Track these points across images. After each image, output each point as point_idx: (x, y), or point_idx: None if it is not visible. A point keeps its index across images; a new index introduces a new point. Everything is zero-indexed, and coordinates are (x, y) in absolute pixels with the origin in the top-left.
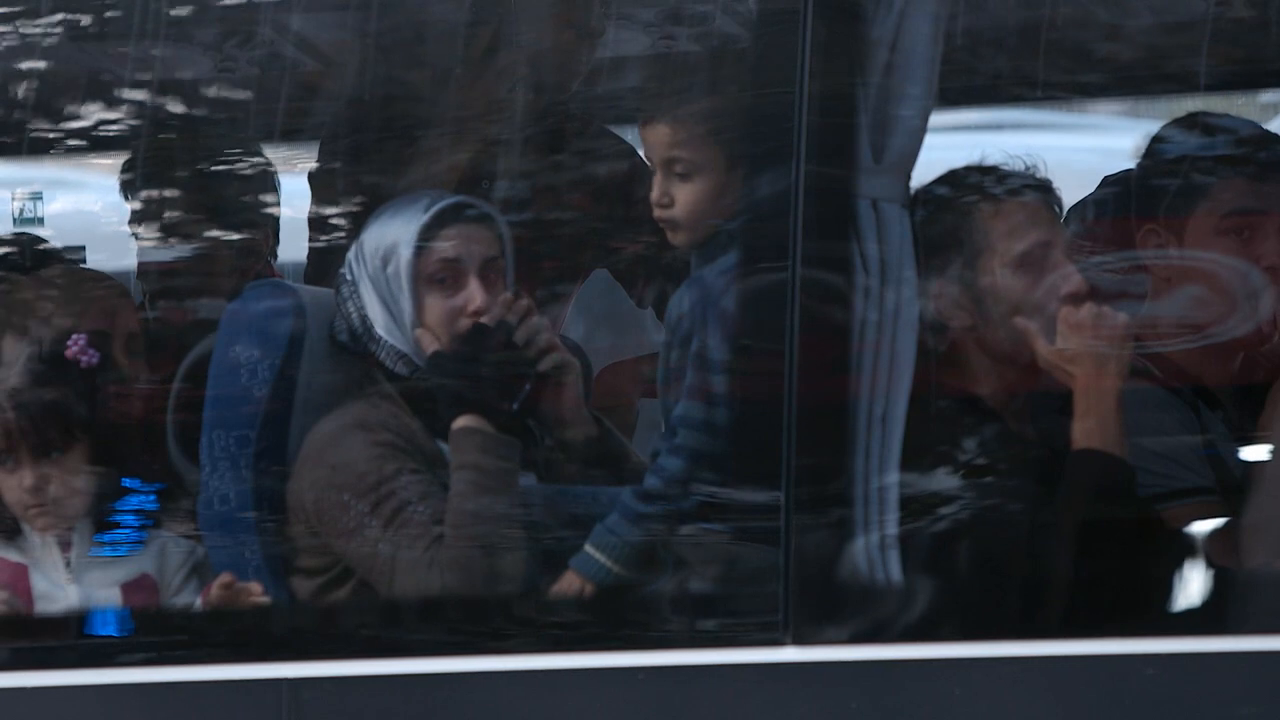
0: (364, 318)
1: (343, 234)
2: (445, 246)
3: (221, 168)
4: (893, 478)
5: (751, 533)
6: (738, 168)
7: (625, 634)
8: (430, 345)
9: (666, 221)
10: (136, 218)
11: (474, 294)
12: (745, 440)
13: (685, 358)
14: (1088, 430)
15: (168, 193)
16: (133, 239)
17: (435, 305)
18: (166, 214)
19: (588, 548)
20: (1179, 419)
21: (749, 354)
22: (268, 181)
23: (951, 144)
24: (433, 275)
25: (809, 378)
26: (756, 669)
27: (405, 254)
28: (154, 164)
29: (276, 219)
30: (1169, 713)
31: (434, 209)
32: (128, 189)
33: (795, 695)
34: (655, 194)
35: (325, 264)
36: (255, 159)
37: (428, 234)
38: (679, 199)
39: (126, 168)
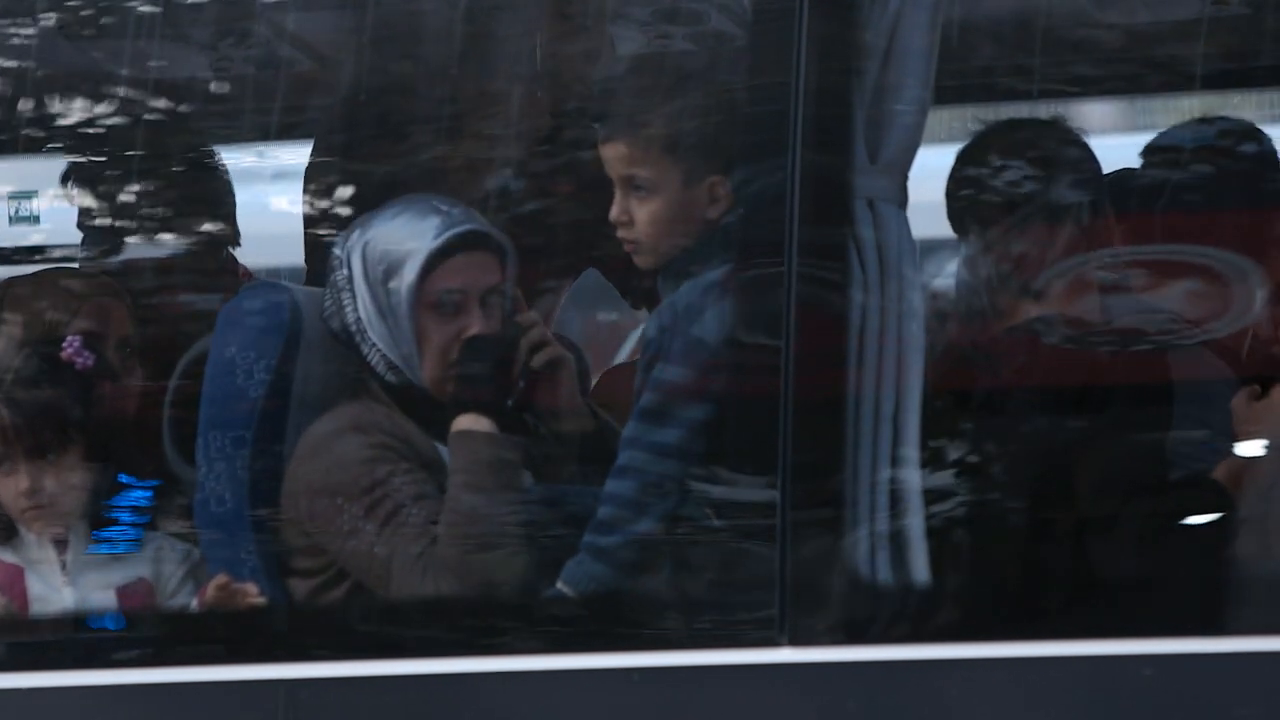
0: (357, 319)
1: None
2: (452, 276)
3: (191, 166)
4: (889, 477)
5: (746, 533)
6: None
7: (621, 634)
8: (430, 367)
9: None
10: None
11: (474, 321)
12: (740, 442)
13: (646, 380)
14: None
15: (131, 192)
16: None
17: (434, 328)
18: (129, 212)
19: (560, 584)
20: None
21: (742, 351)
22: (226, 182)
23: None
24: (436, 302)
25: (806, 379)
26: (752, 670)
27: (410, 276)
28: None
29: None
30: (1166, 713)
31: (445, 236)
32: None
33: (792, 695)
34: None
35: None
36: (215, 159)
37: (436, 260)
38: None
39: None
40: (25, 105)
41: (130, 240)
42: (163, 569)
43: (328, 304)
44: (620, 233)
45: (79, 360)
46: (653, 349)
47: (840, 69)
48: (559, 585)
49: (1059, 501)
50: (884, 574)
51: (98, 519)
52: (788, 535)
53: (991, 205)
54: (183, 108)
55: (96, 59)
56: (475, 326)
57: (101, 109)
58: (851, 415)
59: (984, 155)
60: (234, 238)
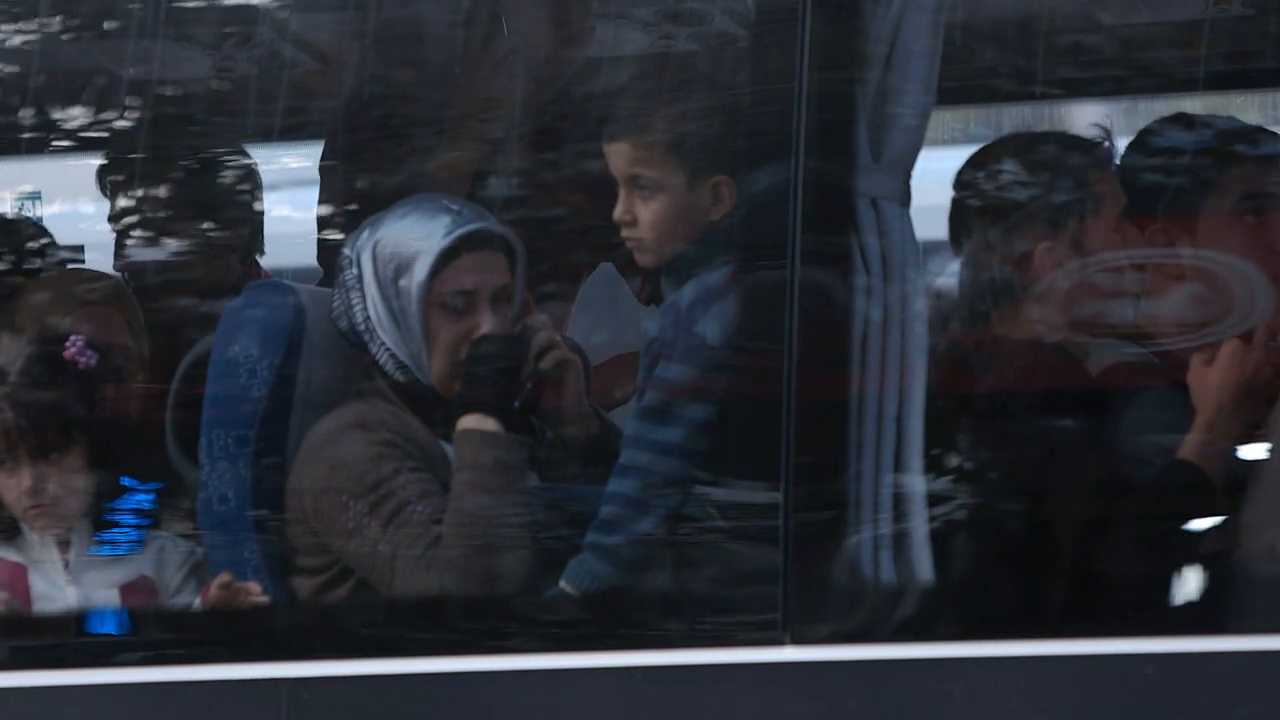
0: (366, 317)
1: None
2: (461, 276)
3: (207, 165)
4: (891, 477)
5: (749, 533)
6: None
7: (624, 634)
8: (438, 366)
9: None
10: (116, 215)
11: (483, 321)
12: (743, 441)
13: (649, 378)
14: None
15: (153, 191)
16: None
17: (442, 326)
18: (150, 212)
19: (562, 583)
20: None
21: (745, 351)
22: (252, 179)
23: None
24: (445, 301)
25: (808, 378)
26: (755, 669)
27: (420, 275)
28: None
29: (260, 217)
30: (1168, 712)
31: (455, 234)
32: (106, 185)
33: (794, 695)
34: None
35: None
36: (240, 156)
37: (446, 259)
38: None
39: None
40: (59, 106)
41: (157, 241)
42: (166, 567)
43: (336, 303)
44: (624, 232)
45: (82, 359)
46: (655, 348)
47: (843, 69)
48: (562, 584)
49: (1060, 502)
50: (886, 574)
51: (101, 518)
52: (790, 534)
53: (992, 207)
54: (195, 110)
55: (118, 61)
56: (484, 326)
57: (133, 111)
58: (854, 415)
59: (986, 158)
60: (259, 241)
